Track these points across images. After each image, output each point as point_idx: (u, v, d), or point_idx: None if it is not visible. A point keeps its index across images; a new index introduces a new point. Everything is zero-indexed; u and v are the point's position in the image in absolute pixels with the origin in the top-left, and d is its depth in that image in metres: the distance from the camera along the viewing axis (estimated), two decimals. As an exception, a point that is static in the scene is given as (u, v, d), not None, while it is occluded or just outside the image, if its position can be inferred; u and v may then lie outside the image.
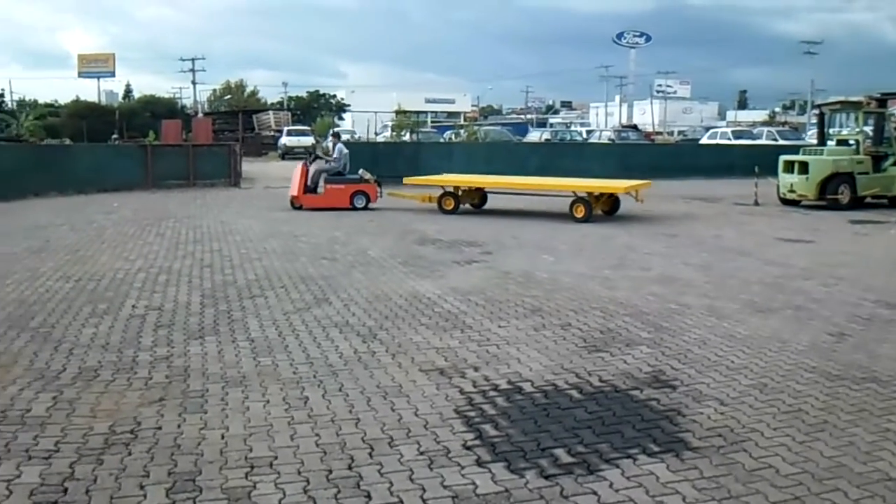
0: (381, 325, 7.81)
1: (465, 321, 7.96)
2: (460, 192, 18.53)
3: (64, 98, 79.46)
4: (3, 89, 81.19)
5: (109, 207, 18.76)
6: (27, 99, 77.48)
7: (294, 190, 18.80)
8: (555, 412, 5.46)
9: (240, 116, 57.15)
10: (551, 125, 67.98)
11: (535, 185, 19.28)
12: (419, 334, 7.45)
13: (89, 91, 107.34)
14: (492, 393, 5.85)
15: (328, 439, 4.95)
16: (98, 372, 6.30)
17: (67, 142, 41.86)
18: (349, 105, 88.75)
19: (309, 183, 18.73)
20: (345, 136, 43.65)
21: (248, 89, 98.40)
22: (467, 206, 18.75)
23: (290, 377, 6.18)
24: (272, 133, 55.66)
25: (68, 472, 4.46)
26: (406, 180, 19.68)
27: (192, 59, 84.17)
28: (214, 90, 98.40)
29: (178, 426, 5.16)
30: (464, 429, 5.15)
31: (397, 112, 47.64)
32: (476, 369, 6.41)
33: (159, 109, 66.09)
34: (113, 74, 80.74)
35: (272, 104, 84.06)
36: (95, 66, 78.90)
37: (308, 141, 49.09)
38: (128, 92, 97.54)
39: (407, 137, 39.71)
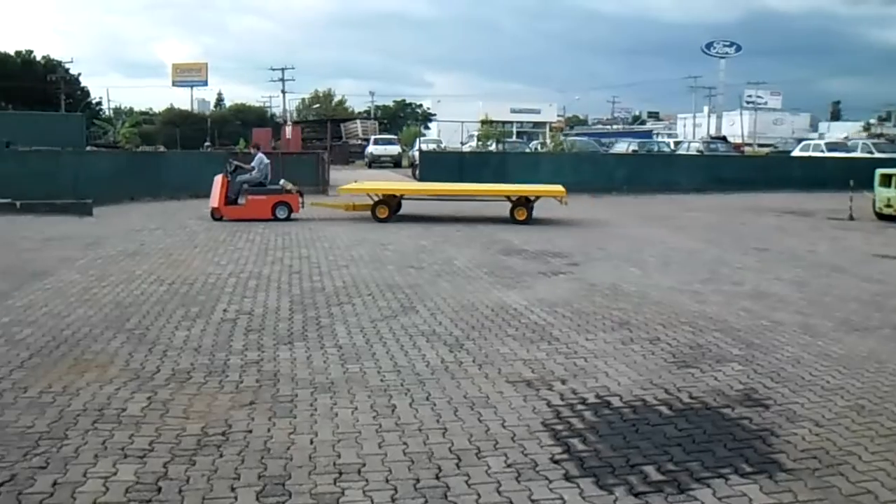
0: (468, 334, 7.81)
1: (552, 333, 7.90)
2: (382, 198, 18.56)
3: (158, 106, 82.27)
4: (101, 98, 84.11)
5: (201, 213, 19.17)
6: (123, 107, 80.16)
7: (214, 201, 18.27)
8: (644, 428, 5.37)
9: (328, 125, 58.12)
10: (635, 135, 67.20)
11: (470, 192, 20.35)
12: (506, 345, 7.42)
13: (182, 99, 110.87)
14: (580, 406, 5.79)
15: (416, 448, 4.96)
16: (191, 374, 6.44)
17: (161, 148, 43.31)
18: (435, 114, 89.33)
19: (230, 194, 18.29)
20: (431, 146, 44.10)
21: (336, 98, 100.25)
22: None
23: (377, 385, 6.22)
24: (359, 142, 56.45)
25: (162, 472, 4.56)
26: (339, 189, 20.00)
27: (282, 69, 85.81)
28: (303, 99, 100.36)
29: (268, 430, 5.23)
30: (551, 442, 5.10)
31: (483, 122, 47.69)
32: (563, 382, 6.35)
33: (249, 118, 67.80)
34: (205, 83, 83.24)
35: (359, 113, 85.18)
36: (189, 75, 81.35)
37: (395, 150, 49.43)
38: (219, 100, 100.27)
39: (493, 147, 39.72)
